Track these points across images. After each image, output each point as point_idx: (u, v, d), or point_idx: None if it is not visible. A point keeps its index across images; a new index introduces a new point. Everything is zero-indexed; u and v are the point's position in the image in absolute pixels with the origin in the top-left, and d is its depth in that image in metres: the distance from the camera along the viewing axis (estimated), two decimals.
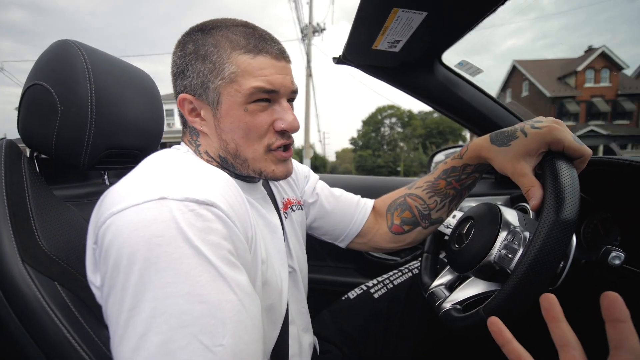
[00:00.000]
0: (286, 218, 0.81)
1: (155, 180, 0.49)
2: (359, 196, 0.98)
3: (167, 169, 0.52)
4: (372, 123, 46.05)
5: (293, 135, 0.68)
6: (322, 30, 17.87)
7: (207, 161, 0.66)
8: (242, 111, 0.61)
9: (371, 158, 42.46)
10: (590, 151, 0.60)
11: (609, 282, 0.80)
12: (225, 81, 0.60)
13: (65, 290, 0.59)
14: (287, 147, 0.67)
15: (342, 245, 0.96)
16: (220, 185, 0.52)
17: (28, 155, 0.72)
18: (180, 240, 0.44)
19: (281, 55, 0.64)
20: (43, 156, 0.75)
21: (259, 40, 0.61)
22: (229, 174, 0.66)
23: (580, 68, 25.34)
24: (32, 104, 0.69)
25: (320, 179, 1.01)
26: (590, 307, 0.93)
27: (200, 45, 0.61)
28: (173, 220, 0.44)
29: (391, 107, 45.26)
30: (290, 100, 0.67)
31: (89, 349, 0.54)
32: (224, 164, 0.66)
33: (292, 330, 0.74)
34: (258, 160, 0.64)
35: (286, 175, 0.68)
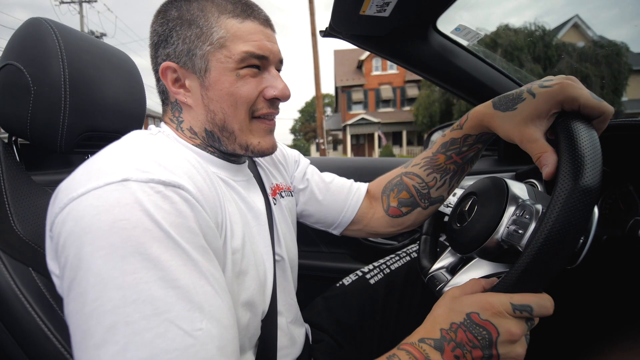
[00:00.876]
0: (275, 204, 0.76)
1: (117, 162, 0.45)
2: (351, 180, 0.93)
3: (130, 150, 0.49)
4: (308, 113, 45.93)
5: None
6: None
7: (190, 138, 0.63)
8: (234, 77, 0.58)
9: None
10: (611, 108, 0.52)
11: (637, 258, 0.73)
12: (214, 46, 0.57)
13: (40, 276, 0.57)
14: (272, 117, 0.65)
15: (336, 232, 0.92)
16: (187, 167, 0.50)
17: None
18: (148, 223, 0.41)
19: (267, 22, 0.62)
20: (24, 142, 0.73)
21: (246, 6, 0.60)
22: (212, 152, 0.64)
23: (363, 57, 27.16)
24: (5, 84, 0.67)
25: (312, 162, 0.96)
26: (613, 286, 0.88)
27: (185, 11, 0.58)
28: (137, 203, 0.41)
29: (328, 95, 45.15)
30: (278, 70, 0.65)
31: (63, 338, 0.52)
32: (209, 139, 0.63)
33: (281, 321, 0.70)
34: (244, 131, 0.62)
35: (272, 148, 0.66)
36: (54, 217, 0.44)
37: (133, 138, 0.53)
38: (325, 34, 1.05)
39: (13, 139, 0.71)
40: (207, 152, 0.64)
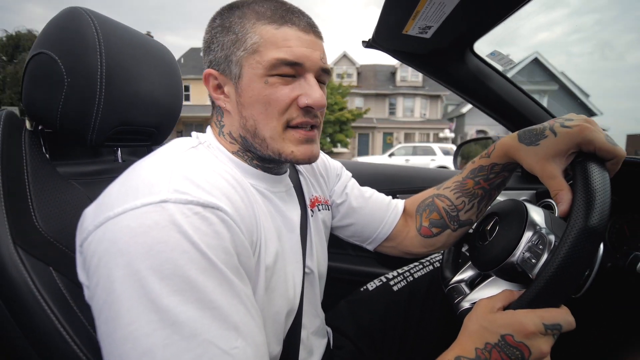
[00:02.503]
0: (312, 216, 0.77)
1: (155, 182, 0.45)
2: (389, 198, 0.94)
3: (168, 168, 0.48)
4: None
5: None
6: None
7: (230, 144, 0.63)
8: (262, 84, 0.57)
9: None
10: (624, 152, 0.56)
11: (636, 290, 0.77)
12: (247, 52, 0.57)
13: (61, 276, 0.54)
14: (311, 127, 0.62)
15: (370, 247, 0.93)
16: (225, 187, 0.50)
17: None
18: (186, 245, 0.41)
19: (310, 28, 0.60)
20: (49, 130, 0.70)
21: (286, 12, 0.58)
22: (251, 157, 0.64)
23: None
24: (36, 73, 0.65)
25: (346, 165, 0.97)
26: (614, 312, 0.91)
27: (226, 19, 0.59)
28: (175, 225, 0.41)
29: None
30: (321, 81, 0.62)
31: (82, 342, 0.50)
32: (245, 145, 0.62)
33: (303, 334, 0.71)
34: (276, 140, 0.59)
35: (309, 159, 0.62)
36: (88, 234, 0.44)
37: (173, 152, 0.52)
38: (368, 45, 1.08)
39: (39, 127, 0.69)
40: (247, 160, 0.64)
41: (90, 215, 0.46)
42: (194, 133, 0.64)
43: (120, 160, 0.85)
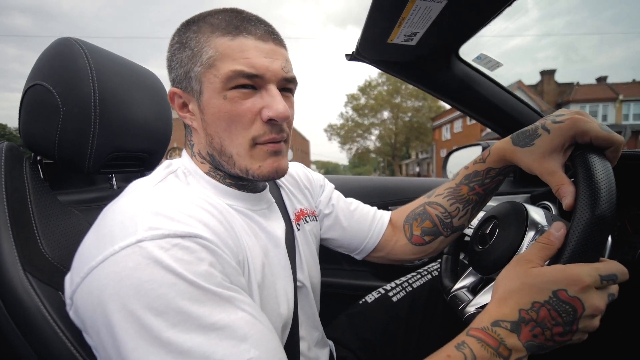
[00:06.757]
0: (298, 230, 0.76)
1: (127, 224, 0.44)
2: (374, 208, 0.94)
3: (138, 208, 0.47)
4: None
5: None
6: None
7: (201, 163, 0.62)
8: (222, 99, 0.55)
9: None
10: (621, 138, 0.55)
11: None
12: (204, 67, 0.55)
13: None
14: (278, 141, 0.60)
15: (358, 257, 0.93)
16: (199, 214, 0.49)
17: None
18: (172, 278, 0.41)
19: (269, 36, 0.57)
20: (47, 161, 0.72)
21: (241, 21, 0.56)
22: (223, 176, 0.62)
23: None
24: (33, 105, 0.66)
25: (331, 180, 0.97)
26: (621, 308, 0.89)
27: (183, 34, 0.58)
28: (156, 261, 0.41)
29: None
30: (287, 89, 0.60)
31: None
32: (214, 163, 0.61)
33: (303, 346, 0.70)
34: (242, 157, 0.57)
35: (277, 173, 0.60)
36: (76, 286, 0.45)
37: (140, 191, 0.51)
38: (351, 57, 1.08)
39: (38, 158, 0.70)
40: (220, 180, 0.62)
41: (75, 268, 0.47)
42: (166, 161, 0.63)
43: (115, 187, 0.87)
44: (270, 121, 0.57)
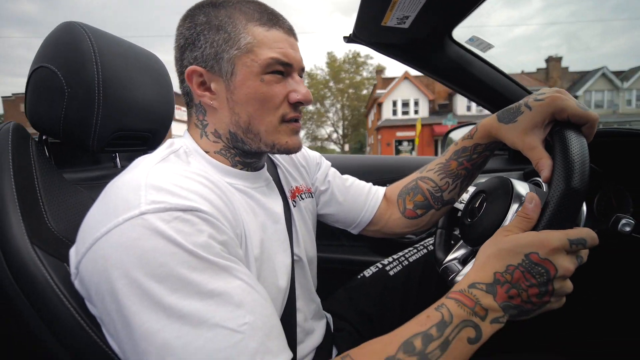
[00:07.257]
0: (294, 206, 0.80)
1: (131, 197, 0.47)
2: (370, 184, 0.98)
3: (141, 183, 0.49)
4: None
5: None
6: None
7: (214, 143, 0.65)
8: (259, 81, 0.60)
9: None
10: (596, 115, 0.59)
11: (619, 251, 0.80)
12: (242, 51, 0.59)
13: None
14: (298, 120, 0.67)
15: (354, 232, 0.96)
16: (199, 189, 0.51)
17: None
18: (173, 248, 0.44)
19: (291, 32, 0.65)
20: (53, 140, 0.75)
21: (272, 15, 0.62)
22: (235, 153, 0.66)
23: None
24: (38, 86, 0.69)
25: (331, 160, 1.00)
26: (601, 276, 0.94)
27: (213, 17, 0.60)
28: (159, 232, 0.44)
29: None
30: (300, 77, 0.67)
31: (99, 330, 0.53)
32: (233, 140, 0.65)
33: (299, 318, 0.74)
34: (271, 133, 0.64)
35: (298, 147, 0.68)
36: (81, 256, 0.47)
37: (143, 168, 0.53)
38: (349, 40, 1.10)
39: (44, 137, 0.73)
40: (229, 158, 0.66)
41: (80, 239, 0.49)
42: (169, 140, 0.66)
43: (119, 166, 0.89)
44: (296, 103, 0.64)
